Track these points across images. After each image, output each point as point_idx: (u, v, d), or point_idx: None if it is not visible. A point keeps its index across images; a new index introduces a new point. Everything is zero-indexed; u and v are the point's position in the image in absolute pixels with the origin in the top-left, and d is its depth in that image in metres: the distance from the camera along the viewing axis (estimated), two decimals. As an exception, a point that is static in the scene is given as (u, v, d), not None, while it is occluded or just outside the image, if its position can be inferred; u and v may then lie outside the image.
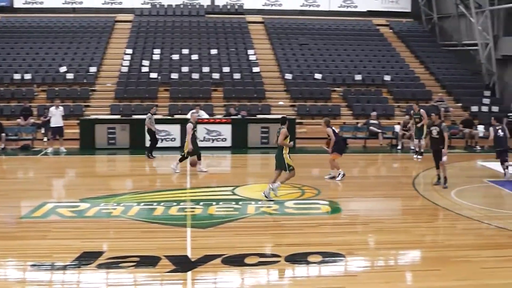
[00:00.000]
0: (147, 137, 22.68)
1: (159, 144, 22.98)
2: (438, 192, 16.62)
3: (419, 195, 16.50)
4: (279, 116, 17.76)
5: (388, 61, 35.11)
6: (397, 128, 25.66)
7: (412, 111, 23.23)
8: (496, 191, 17.41)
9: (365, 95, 30.58)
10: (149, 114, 22.36)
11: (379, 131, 25.58)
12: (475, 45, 35.54)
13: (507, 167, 18.59)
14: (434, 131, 17.10)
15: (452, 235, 12.91)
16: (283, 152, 15.37)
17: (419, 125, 22.20)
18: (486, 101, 30.88)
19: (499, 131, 18.86)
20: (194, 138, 18.77)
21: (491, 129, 19.39)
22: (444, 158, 16.91)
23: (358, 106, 29.33)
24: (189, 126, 18.75)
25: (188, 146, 18.59)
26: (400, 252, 11.64)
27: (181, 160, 19.25)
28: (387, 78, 32.21)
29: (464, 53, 37.24)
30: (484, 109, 29.97)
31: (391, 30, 40.62)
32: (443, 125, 17.13)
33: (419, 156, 22.03)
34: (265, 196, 15.18)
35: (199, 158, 19.11)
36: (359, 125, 26.67)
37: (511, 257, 11.34)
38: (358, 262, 10.98)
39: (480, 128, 26.69)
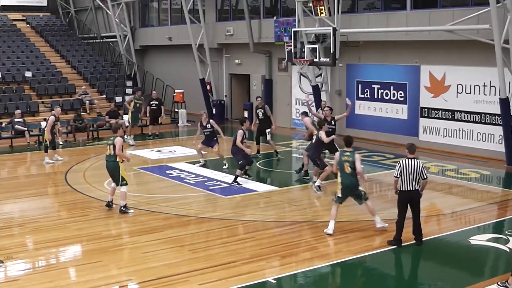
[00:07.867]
0: None
1: None
2: (91, 185, 16.82)
3: (73, 189, 16.50)
4: None
5: (28, 57, 34.12)
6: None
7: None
8: (146, 177, 18.21)
9: (6, 94, 29.23)
10: None
11: (25, 129, 24.80)
12: (114, 37, 36.49)
13: None
14: None
15: (110, 225, 13.22)
16: None
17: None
18: (129, 91, 31.81)
19: None
20: None
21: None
22: None
23: (1, 105, 27.99)
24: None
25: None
26: (60, 249, 11.60)
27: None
28: (28, 74, 31.26)
29: (104, 45, 37.90)
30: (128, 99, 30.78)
31: (28, 25, 39.53)
32: None
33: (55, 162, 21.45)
34: None
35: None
36: (3, 124, 25.51)
37: (167, 239, 12.06)
38: (18, 266, 10.67)
39: (126, 118, 27.44)
